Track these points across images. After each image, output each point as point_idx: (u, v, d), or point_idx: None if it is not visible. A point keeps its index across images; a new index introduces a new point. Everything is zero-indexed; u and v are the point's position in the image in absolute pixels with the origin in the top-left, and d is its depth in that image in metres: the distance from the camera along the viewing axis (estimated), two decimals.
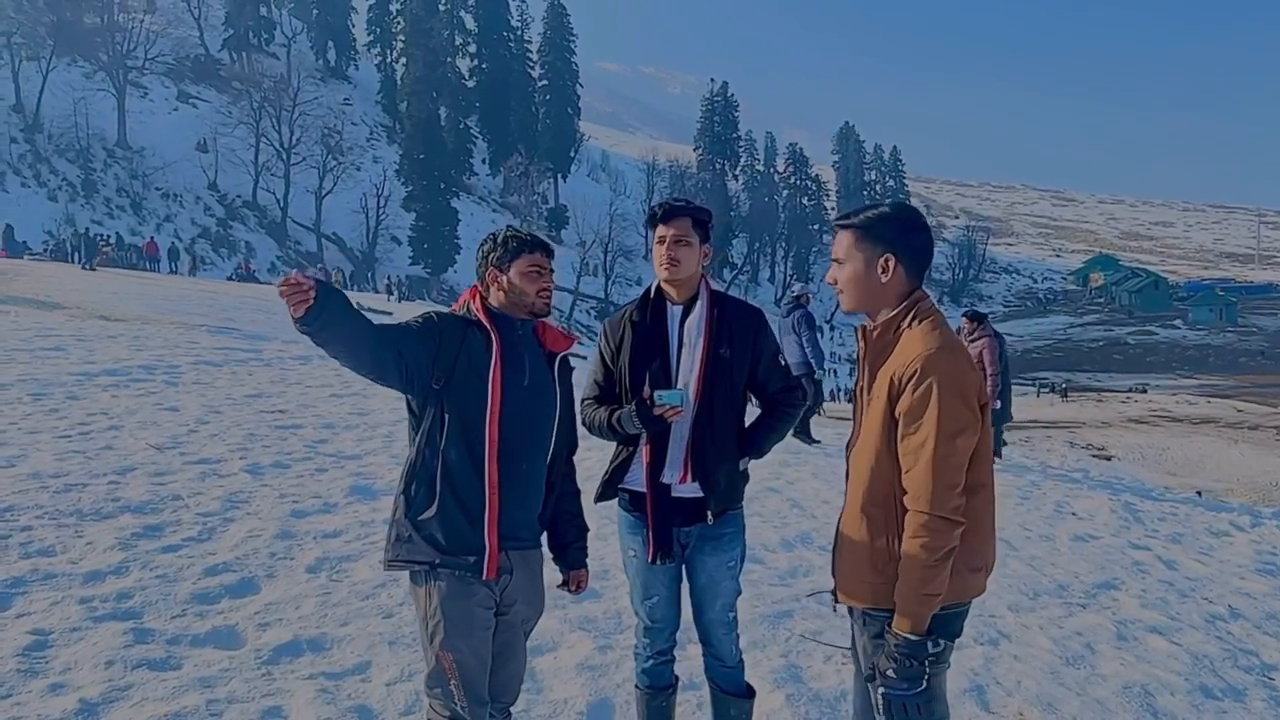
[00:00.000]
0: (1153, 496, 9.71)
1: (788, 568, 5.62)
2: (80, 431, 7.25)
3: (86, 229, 51.09)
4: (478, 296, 2.70)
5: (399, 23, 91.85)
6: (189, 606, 4.23)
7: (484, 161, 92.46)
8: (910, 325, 2.34)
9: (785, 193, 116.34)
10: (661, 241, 2.92)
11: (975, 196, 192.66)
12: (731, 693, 3.06)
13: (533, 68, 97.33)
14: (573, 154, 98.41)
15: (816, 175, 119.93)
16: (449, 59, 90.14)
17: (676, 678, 3.17)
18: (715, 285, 3.09)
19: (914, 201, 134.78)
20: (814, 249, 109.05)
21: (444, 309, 2.67)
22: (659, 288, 3.00)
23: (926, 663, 2.26)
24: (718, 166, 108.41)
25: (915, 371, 2.22)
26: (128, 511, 5.37)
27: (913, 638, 2.24)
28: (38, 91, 65.65)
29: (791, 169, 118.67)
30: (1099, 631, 4.98)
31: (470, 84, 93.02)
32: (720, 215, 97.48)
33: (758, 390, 3.02)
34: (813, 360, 10.47)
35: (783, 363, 3.01)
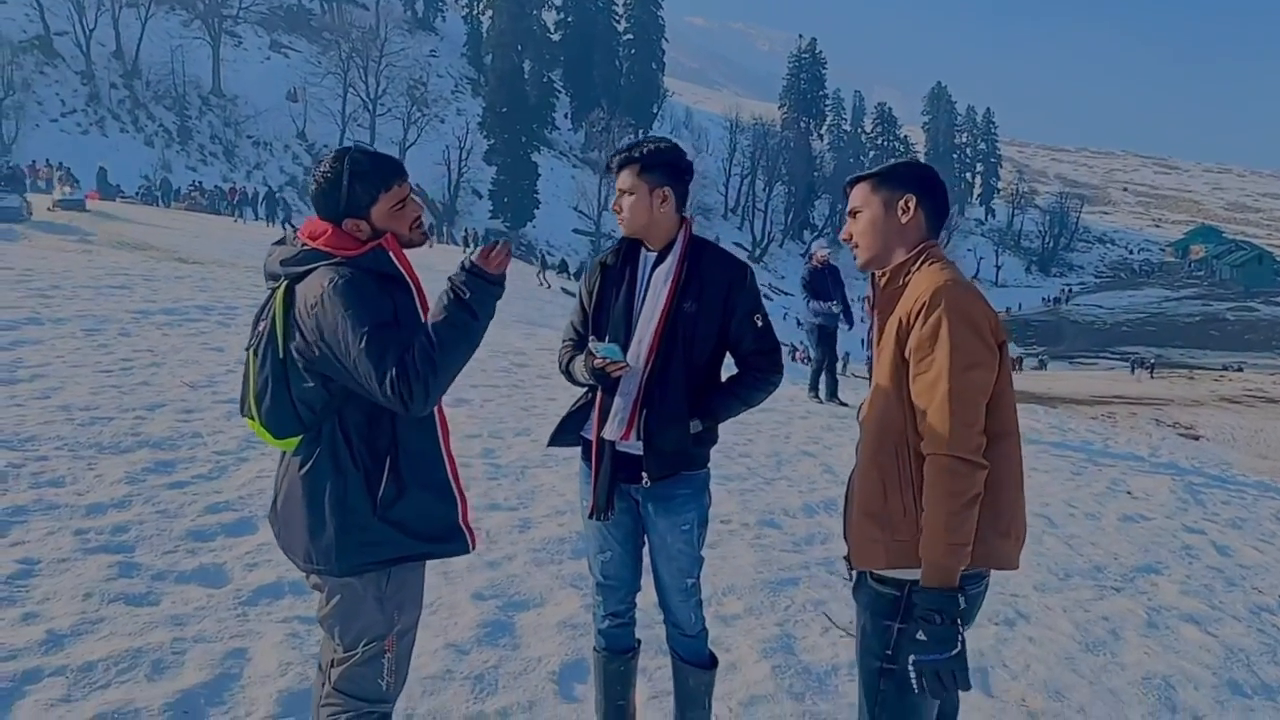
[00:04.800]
0: (1221, 480, 9.17)
1: (804, 534, 5.41)
2: (122, 367, 7.39)
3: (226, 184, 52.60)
4: (391, 240, 2.26)
5: None
6: (182, 543, 4.23)
7: (566, 116, 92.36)
8: (920, 268, 2.20)
9: (872, 154, 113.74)
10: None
11: (1071, 162, 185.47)
12: (691, 662, 2.89)
13: (618, 21, 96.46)
14: (655, 110, 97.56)
15: (905, 136, 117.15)
16: (535, 11, 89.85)
17: (638, 641, 3.03)
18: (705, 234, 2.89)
19: (1005, 166, 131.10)
20: None
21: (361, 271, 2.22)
22: None
23: (959, 622, 2.03)
24: (803, 125, 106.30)
25: (924, 304, 2.07)
26: (145, 446, 5.43)
27: (944, 591, 2.02)
28: (137, 39, 67.59)
29: (879, 129, 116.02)
30: (1128, 618, 4.68)
31: (555, 37, 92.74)
32: (803, 175, 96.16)
33: (731, 350, 2.82)
34: (814, 317, 10.39)
35: (759, 324, 2.78)
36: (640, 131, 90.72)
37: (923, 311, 2.06)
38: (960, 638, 2.02)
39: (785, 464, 7.11)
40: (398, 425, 2.25)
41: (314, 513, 2.23)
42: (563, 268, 37.14)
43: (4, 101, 57.30)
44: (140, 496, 4.68)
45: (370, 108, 71.87)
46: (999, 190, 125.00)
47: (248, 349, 2.35)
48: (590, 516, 2.78)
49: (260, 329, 2.31)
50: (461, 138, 72.04)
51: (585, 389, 2.83)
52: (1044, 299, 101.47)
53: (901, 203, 2.25)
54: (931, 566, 2.03)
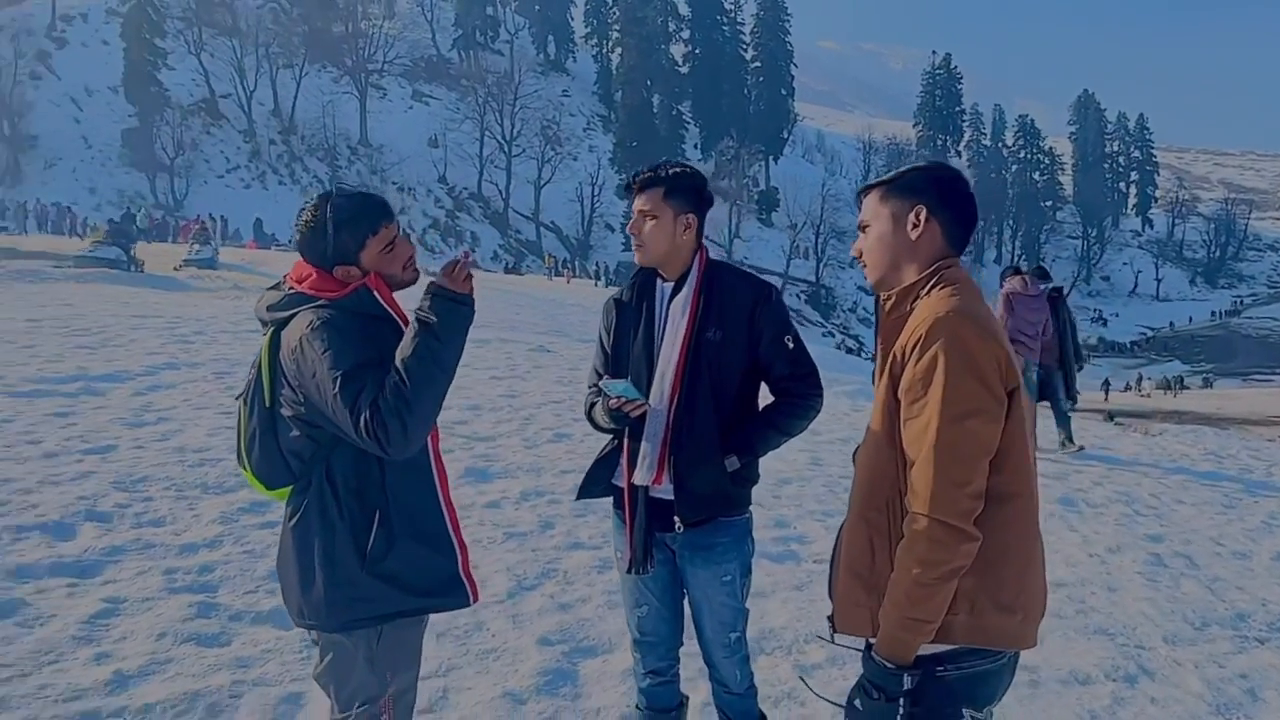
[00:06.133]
0: None
1: None
2: None
3: None
4: (375, 279, 2.20)
5: (615, 13, 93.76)
6: (264, 583, 4.29)
7: (695, 146, 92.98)
8: (929, 293, 1.91)
9: (1014, 168, 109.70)
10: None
11: (1237, 166, 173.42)
12: None
13: (745, 50, 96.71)
14: (785, 135, 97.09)
15: (1050, 148, 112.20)
16: (663, 45, 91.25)
17: (685, 697, 2.83)
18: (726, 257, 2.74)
19: (1164, 174, 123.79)
20: (1045, 227, 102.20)
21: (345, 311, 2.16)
22: None
23: (900, 702, 1.83)
24: (939, 142, 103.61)
25: (920, 338, 1.80)
26: (247, 486, 5.54)
27: (887, 665, 1.82)
28: (292, 97, 72.14)
29: (1021, 142, 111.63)
30: (1270, 674, 4.14)
31: (683, 70, 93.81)
32: None
33: (764, 377, 2.63)
34: None
35: (790, 345, 2.59)
36: (771, 158, 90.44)
37: (918, 346, 1.80)
38: (899, 718, 1.79)
39: None
40: (388, 475, 2.16)
41: (304, 566, 2.17)
42: None
43: (175, 161, 62.01)
44: (231, 536, 4.80)
45: (506, 149, 74.35)
46: (1156, 199, 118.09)
47: (238, 398, 2.32)
48: (629, 570, 2.62)
49: (250, 377, 2.28)
50: (594, 174, 73.65)
51: (611, 434, 2.69)
52: (1212, 313, 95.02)
53: (912, 215, 1.97)
54: (883, 636, 1.82)
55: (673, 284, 2.62)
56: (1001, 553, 1.81)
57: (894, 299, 1.98)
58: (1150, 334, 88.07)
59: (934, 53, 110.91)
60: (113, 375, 8.49)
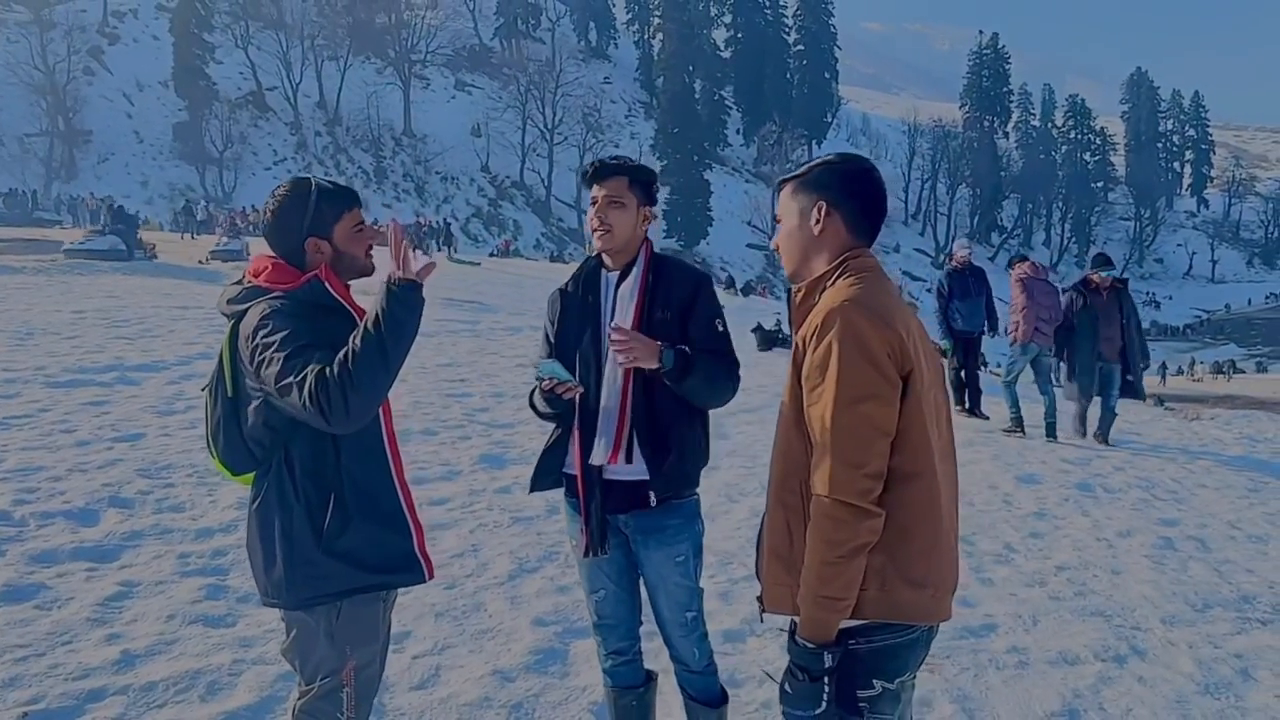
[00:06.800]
0: None
1: None
2: None
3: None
4: (326, 271, 2.30)
5: None
6: None
7: (738, 132, 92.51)
8: (834, 283, 2.00)
9: (1064, 149, 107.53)
10: (593, 203, 2.68)
11: None
12: (699, 700, 2.76)
13: (788, 34, 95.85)
14: (829, 119, 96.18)
15: (1101, 128, 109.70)
16: (704, 30, 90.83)
17: (650, 673, 2.91)
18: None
19: (1220, 152, 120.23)
20: (1096, 209, 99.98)
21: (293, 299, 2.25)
22: (600, 254, 2.75)
23: (826, 680, 1.89)
24: (986, 124, 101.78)
25: (816, 328, 1.89)
26: None
27: (808, 646, 1.88)
28: (337, 88, 73.03)
29: (1071, 123, 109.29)
30: (1266, 654, 4.11)
31: (725, 55, 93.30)
32: (989, 175, 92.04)
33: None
34: (940, 329, 9.73)
35: (720, 329, 2.68)
36: (814, 142, 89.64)
37: (815, 334, 1.88)
38: (825, 696, 1.84)
39: None
40: (343, 457, 2.26)
41: (265, 547, 2.28)
42: (730, 284, 36.91)
43: (224, 154, 63.17)
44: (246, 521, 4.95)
45: (548, 137, 74.65)
46: (1212, 179, 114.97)
47: (203, 389, 2.44)
48: (585, 554, 2.70)
49: (214, 368, 2.38)
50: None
51: (556, 424, 2.76)
52: (1269, 294, 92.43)
53: (815, 210, 2.05)
54: (804, 618, 1.88)
55: (618, 273, 2.70)
56: (907, 530, 1.87)
57: (804, 290, 2.05)
58: (1205, 317, 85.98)
59: (981, 32, 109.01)
60: (148, 365, 8.77)
